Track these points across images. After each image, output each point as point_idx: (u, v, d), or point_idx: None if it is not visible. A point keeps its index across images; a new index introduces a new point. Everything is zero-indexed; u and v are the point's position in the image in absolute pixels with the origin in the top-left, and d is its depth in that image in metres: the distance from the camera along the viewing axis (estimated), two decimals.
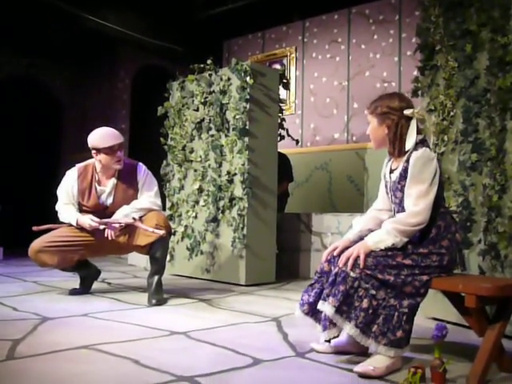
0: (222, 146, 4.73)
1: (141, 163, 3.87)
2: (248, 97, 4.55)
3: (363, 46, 6.25)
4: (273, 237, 4.76)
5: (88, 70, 7.83)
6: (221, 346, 2.49)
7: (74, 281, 4.18)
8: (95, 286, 4.08)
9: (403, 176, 2.26)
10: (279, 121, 5.11)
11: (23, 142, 8.26)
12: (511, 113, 2.75)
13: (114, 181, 3.73)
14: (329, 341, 2.26)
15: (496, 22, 2.88)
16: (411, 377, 1.89)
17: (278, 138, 5.07)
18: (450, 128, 3.17)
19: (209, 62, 4.94)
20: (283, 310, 3.36)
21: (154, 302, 3.50)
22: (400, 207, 2.30)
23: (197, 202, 4.92)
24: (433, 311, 3.14)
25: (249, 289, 4.33)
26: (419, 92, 3.42)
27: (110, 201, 3.72)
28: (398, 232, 2.16)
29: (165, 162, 5.33)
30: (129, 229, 3.63)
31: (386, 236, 2.17)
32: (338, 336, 2.23)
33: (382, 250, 2.16)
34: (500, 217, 2.78)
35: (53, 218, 7.98)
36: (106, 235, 3.55)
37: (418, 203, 2.17)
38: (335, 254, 2.29)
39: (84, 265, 3.90)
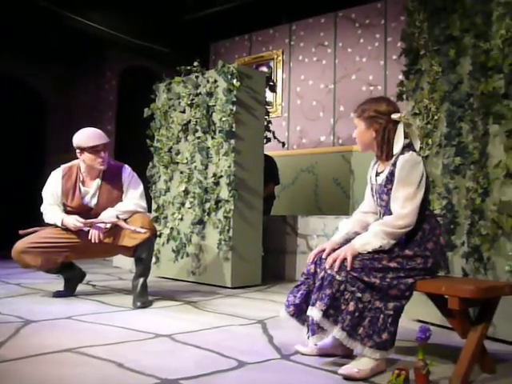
0: (209, 148, 4.72)
1: (126, 165, 3.84)
2: (234, 99, 4.55)
3: (349, 50, 6.29)
4: (259, 239, 4.77)
5: (74, 71, 7.78)
6: (206, 348, 2.49)
7: (57, 283, 4.15)
8: (80, 288, 4.05)
9: (389, 179, 2.28)
10: (265, 123, 5.12)
11: (8, 143, 8.17)
12: (494, 117, 2.79)
13: (98, 182, 3.71)
14: (316, 344, 2.27)
15: (479, 28, 2.92)
16: (395, 379, 1.91)
17: (265, 141, 5.08)
18: (434, 132, 3.20)
19: (195, 64, 4.94)
20: (269, 313, 3.37)
21: (138, 304, 3.47)
22: (386, 210, 2.32)
23: (183, 204, 4.91)
24: (417, 313, 3.16)
25: (234, 291, 4.33)
26: (404, 96, 3.46)
27: (94, 202, 3.70)
28: (385, 234, 2.18)
29: (151, 164, 5.32)
30: (114, 231, 3.61)
31: (373, 238, 2.19)
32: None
33: (368, 252, 2.18)
34: (483, 219, 2.82)
35: (38, 219, 7.90)
36: (90, 237, 3.53)
37: (405, 206, 2.19)
38: (323, 256, 2.30)
39: (68, 267, 3.87)
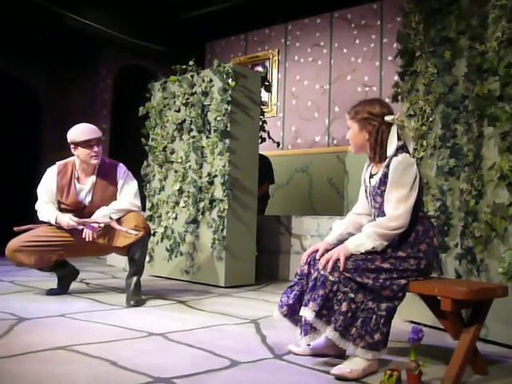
0: (203, 147, 4.72)
1: (121, 164, 3.84)
2: (229, 99, 4.55)
3: (345, 50, 6.30)
4: (253, 239, 4.77)
5: (69, 69, 7.75)
6: (199, 347, 2.49)
7: (51, 281, 4.13)
8: (73, 286, 4.04)
9: (383, 181, 2.29)
10: (260, 123, 5.12)
11: (3, 141, 8.14)
12: (488, 119, 2.80)
13: (93, 179, 3.70)
14: (309, 344, 2.27)
15: (474, 30, 2.93)
16: (387, 379, 1.91)
17: (259, 141, 5.09)
18: (428, 133, 3.21)
19: (191, 63, 4.94)
20: (262, 312, 3.37)
21: (132, 302, 3.48)
22: (380, 212, 2.32)
23: (177, 203, 4.91)
24: (409, 314, 3.17)
25: (228, 290, 4.33)
26: (399, 97, 3.47)
27: (88, 199, 3.69)
28: (378, 235, 2.18)
29: (145, 163, 5.31)
30: (107, 231, 3.61)
31: (366, 239, 2.19)
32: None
33: (361, 253, 2.18)
34: (476, 221, 2.83)
35: (33, 217, 7.89)
36: (84, 236, 3.52)
37: (398, 207, 2.20)
38: (317, 257, 2.31)
39: (62, 265, 3.86)
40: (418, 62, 3.33)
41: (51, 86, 7.95)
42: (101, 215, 3.57)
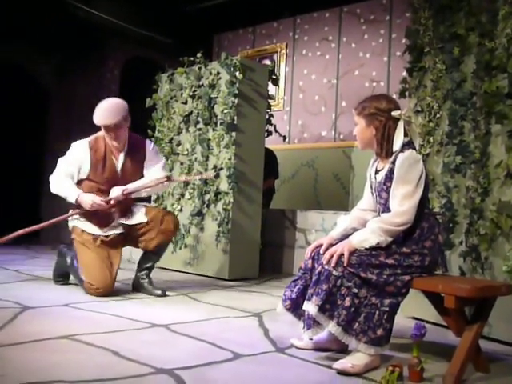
0: (209, 139, 4.72)
1: (149, 140, 3.89)
2: (237, 91, 4.55)
3: (353, 45, 6.27)
4: (257, 232, 4.78)
5: (76, 59, 7.73)
6: (201, 339, 2.50)
7: None
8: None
9: (389, 177, 2.28)
10: (267, 117, 5.12)
11: (8, 130, 8.17)
12: (496, 117, 2.78)
13: (123, 155, 3.62)
14: (311, 338, 2.28)
15: (484, 27, 2.91)
16: (389, 375, 1.91)
17: (266, 134, 5.08)
18: (435, 130, 3.20)
19: (198, 55, 4.93)
20: (265, 306, 3.37)
21: (159, 292, 3.55)
22: (385, 208, 2.32)
23: (182, 195, 4.91)
24: (412, 310, 3.17)
25: (232, 283, 4.34)
26: (407, 93, 3.45)
27: (119, 173, 3.63)
28: (382, 231, 2.18)
29: None
30: (131, 237, 3.66)
31: (370, 235, 2.19)
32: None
33: (365, 248, 2.18)
34: (482, 219, 2.82)
35: (38, 206, 7.91)
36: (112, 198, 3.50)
37: (403, 203, 2.19)
38: (321, 251, 2.31)
39: None
40: (426, 58, 3.31)
41: (57, 76, 7.94)
42: (139, 184, 3.61)
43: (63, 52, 7.76)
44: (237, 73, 4.54)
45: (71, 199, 3.49)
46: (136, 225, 3.62)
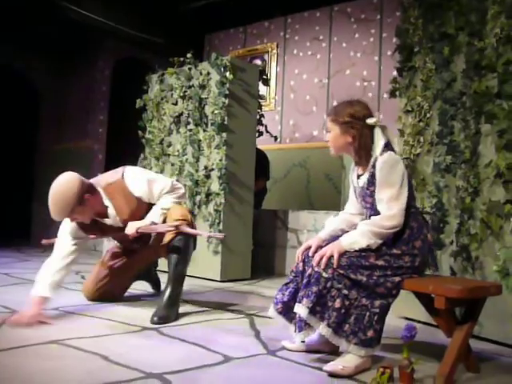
0: (200, 140, 4.70)
1: (125, 171, 3.18)
2: (227, 92, 4.53)
3: (344, 44, 6.27)
4: (249, 233, 4.76)
5: (67, 60, 7.69)
6: (192, 342, 2.48)
7: None
8: (69, 279, 4.01)
9: (371, 182, 2.28)
10: (258, 117, 5.11)
11: None
12: (486, 116, 2.79)
13: (111, 209, 3.14)
14: (303, 340, 2.27)
15: (473, 26, 2.91)
16: (379, 377, 1.91)
17: (257, 134, 5.07)
18: (426, 129, 3.20)
19: (189, 55, 4.91)
20: (257, 308, 3.36)
21: (155, 319, 2.88)
22: (372, 211, 2.31)
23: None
24: (403, 310, 3.17)
25: (224, 285, 4.33)
26: (397, 93, 3.45)
27: (120, 224, 3.19)
28: (372, 234, 2.17)
29: (142, 156, 5.29)
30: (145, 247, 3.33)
31: (360, 237, 2.18)
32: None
33: (355, 250, 2.17)
34: (472, 219, 2.82)
35: (29, 208, 7.84)
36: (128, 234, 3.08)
37: (391, 207, 2.19)
38: (310, 253, 2.30)
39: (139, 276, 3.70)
40: (416, 57, 3.31)
41: (49, 77, 7.89)
42: (150, 221, 3.09)
43: (54, 53, 7.72)
44: (227, 73, 4.52)
45: (32, 291, 2.91)
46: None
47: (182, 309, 3.26)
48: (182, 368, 2.08)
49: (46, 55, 7.72)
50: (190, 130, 4.79)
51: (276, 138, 5.61)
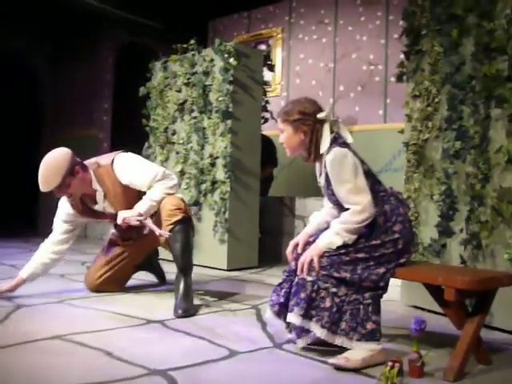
0: (205, 128, 4.64)
1: (116, 158, 3.15)
2: (231, 78, 4.46)
3: (350, 28, 6.15)
4: (255, 221, 4.72)
5: (69, 48, 7.62)
6: (197, 336, 2.45)
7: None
8: (74, 269, 4.01)
9: (328, 181, 2.25)
10: (263, 103, 5.03)
11: (4, 119, 8.09)
12: (496, 101, 2.71)
13: (100, 194, 3.17)
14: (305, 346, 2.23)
15: (483, 7, 2.81)
16: (388, 371, 1.86)
17: (262, 121, 5.00)
18: (434, 114, 3.12)
19: (192, 42, 4.83)
20: (264, 297, 3.32)
21: (179, 312, 2.83)
22: (340, 208, 2.27)
23: (178, 185, 4.84)
24: (412, 299, 3.12)
25: (230, 274, 4.30)
26: (404, 77, 3.37)
27: (110, 209, 3.21)
28: (346, 231, 2.15)
29: (147, 144, 5.24)
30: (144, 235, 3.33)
31: (334, 237, 2.16)
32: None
33: (334, 249, 2.15)
34: (482, 206, 2.75)
35: (34, 195, 7.85)
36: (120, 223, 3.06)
37: (355, 201, 2.15)
38: (299, 250, 2.29)
39: (142, 266, 3.66)
40: (423, 40, 3.22)
41: (51, 65, 7.84)
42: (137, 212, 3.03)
43: (57, 40, 7.66)
44: (231, 59, 4.44)
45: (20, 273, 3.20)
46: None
47: None
48: (187, 364, 2.04)
49: (49, 42, 7.67)
50: (195, 118, 4.73)
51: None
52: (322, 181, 2.32)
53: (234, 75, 4.48)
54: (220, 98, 4.50)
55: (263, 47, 6.75)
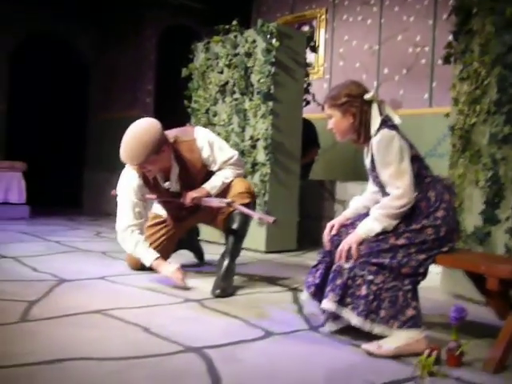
0: (246, 110, 4.63)
1: (198, 130, 3.19)
2: (273, 60, 4.41)
3: (396, 9, 5.97)
4: (295, 204, 4.70)
5: (114, 30, 7.72)
6: (233, 316, 2.46)
7: (96, 242, 4.19)
8: (115, 247, 4.08)
9: (373, 164, 2.20)
10: (305, 85, 4.97)
11: (49, 101, 8.28)
12: None
13: (175, 170, 3.09)
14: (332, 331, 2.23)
15: None
16: (425, 359, 1.82)
17: (304, 103, 4.94)
18: (482, 98, 3.00)
19: (234, 22, 4.80)
20: (301, 281, 3.30)
21: (217, 292, 2.85)
22: (383, 192, 2.22)
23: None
24: (453, 287, 3.05)
25: (269, 256, 4.30)
26: (452, 58, 3.25)
27: (177, 189, 3.15)
28: (385, 217, 2.10)
29: (188, 125, 5.26)
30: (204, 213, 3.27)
31: (374, 223, 2.12)
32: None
33: (373, 236, 2.11)
34: None
35: (80, 176, 8.04)
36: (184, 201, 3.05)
37: (397, 185, 2.10)
38: (333, 231, 2.28)
39: (182, 245, 3.70)
40: (474, 20, 3.09)
41: (96, 47, 7.96)
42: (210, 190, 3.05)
43: (101, 23, 7.76)
44: (273, 40, 4.40)
45: (146, 263, 3.07)
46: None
47: None
48: (222, 342, 2.06)
49: (93, 25, 7.78)
50: (236, 100, 4.72)
51: (323, 107, 5.45)
52: (368, 163, 2.29)
53: (276, 56, 4.43)
54: (262, 80, 4.47)
55: (306, 29, 6.64)
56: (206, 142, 3.10)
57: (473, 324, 2.44)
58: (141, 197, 3.10)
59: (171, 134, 3.09)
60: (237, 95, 4.72)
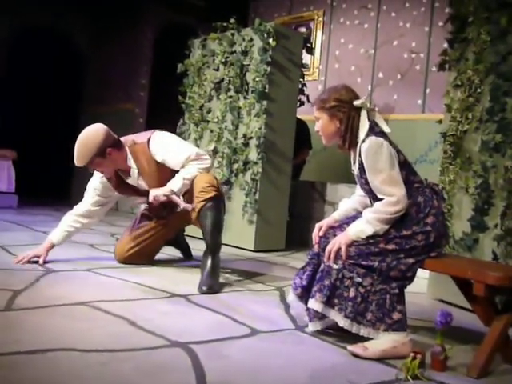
0: (240, 108, 4.63)
1: (152, 135, 3.20)
2: (269, 59, 4.42)
3: (393, 14, 6.00)
4: (285, 204, 4.70)
5: (111, 24, 7.68)
6: (220, 312, 2.46)
7: (84, 234, 4.15)
8: (103, 240, 4.07)
9: (362, 170, 2.19)
10: (300, 86, 4.98)
11: (44, 92, 8.23)
12: None
13: (134, 171, 3.24)
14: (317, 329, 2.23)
15: None
16: (410, 362, 1.83)
17: (298, 104, 4.95)
18: (475, 105, 3.03)
19: (232, 20, 4.80)
20: (288, 280, 3.31)
21: (204, 289, 2.85)
22: (372, 196, 2.22)
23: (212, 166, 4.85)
24: (438, 292, 3.07)
25: (256, 255, 4.30)
26: (446, 65, 3.27)
27: (145, 187, 3.27)
28: (378, 221, 2.10)
29: (181, 121, 5.25)
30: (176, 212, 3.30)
31: (366, 226, 2.11)
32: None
33: (363, 238, 2.11)
34: None
35: (72, 168, 7.99)
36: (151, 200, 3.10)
37: (390, 192, 2.10)
38: (320, 233, 2.27)
39: (170, 243, 3.74)
40: (469, 28, 3.11)
41: (93, 41, 7.93)
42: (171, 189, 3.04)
43: (99, 17, 7.72)
44: (270, 40, 4.40)
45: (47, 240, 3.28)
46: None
47: None
48: (208, 338, 2.06)
49: (90, 18, 7.74)
50: (231, 97, 4.71)
51: None
52: (355, 169, 2.29)
53: (273, 56, 4.44)
54: (257, 79, 4.47)
55: (303, 30, 6.65)
56: (160, 147, 3.15)
57: (458, 329, 2.46)
58: (102, 190, 3.34)
59: (130, 138, 3.27)
60: (231, 93, 4.72)
